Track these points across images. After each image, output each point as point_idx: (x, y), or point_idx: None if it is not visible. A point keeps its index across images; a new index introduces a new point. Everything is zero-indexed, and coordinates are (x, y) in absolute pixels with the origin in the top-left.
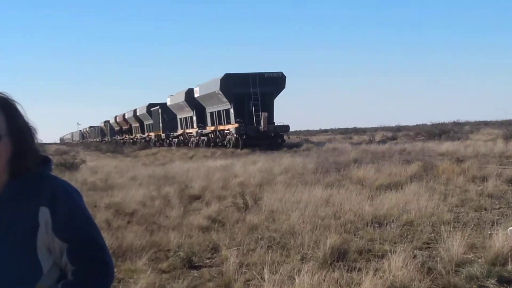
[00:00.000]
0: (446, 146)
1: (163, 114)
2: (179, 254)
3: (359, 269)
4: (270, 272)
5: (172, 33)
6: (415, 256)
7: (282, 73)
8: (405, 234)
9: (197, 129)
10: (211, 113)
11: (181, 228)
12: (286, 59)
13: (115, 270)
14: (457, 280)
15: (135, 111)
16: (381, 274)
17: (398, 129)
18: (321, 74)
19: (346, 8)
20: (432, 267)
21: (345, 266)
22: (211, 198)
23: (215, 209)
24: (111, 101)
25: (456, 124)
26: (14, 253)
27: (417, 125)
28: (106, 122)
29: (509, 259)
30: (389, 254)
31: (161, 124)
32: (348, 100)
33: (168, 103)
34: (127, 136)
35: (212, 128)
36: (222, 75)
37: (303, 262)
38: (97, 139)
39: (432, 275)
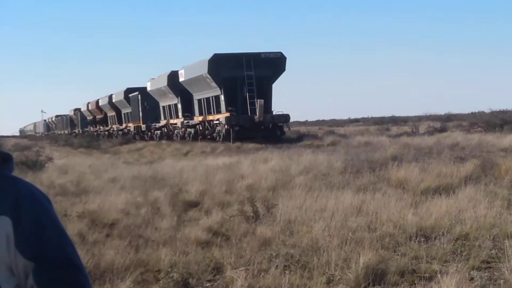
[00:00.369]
0: (510, 139)
1: (143, 101)
2: (172, 276)
3: None
4: None
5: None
6: (472, 279)
7: (281, 53)
8: (459, 251)
9: (182, 120)
10: (199, 101)
11: (174, 243)
12: (296, 32)
13: None
14: None
15: (110, 97)
16: None
17: (448, 118)
18: (345, 49)
19: None
20: None
21: None
22: (212, 205)
23: (217, 219)
24: (82, 85)
25: None
26: None
27: (472, 113)
28: (77, 110)
29: None
30: (439, 275)
31: (141, 113)
32: (384, 82)
33: (149, 88)
34: (101, 127)
35: (201, 118)
36: (210, 55)
37: (329, 286)
38: (66, 131)
39: None
